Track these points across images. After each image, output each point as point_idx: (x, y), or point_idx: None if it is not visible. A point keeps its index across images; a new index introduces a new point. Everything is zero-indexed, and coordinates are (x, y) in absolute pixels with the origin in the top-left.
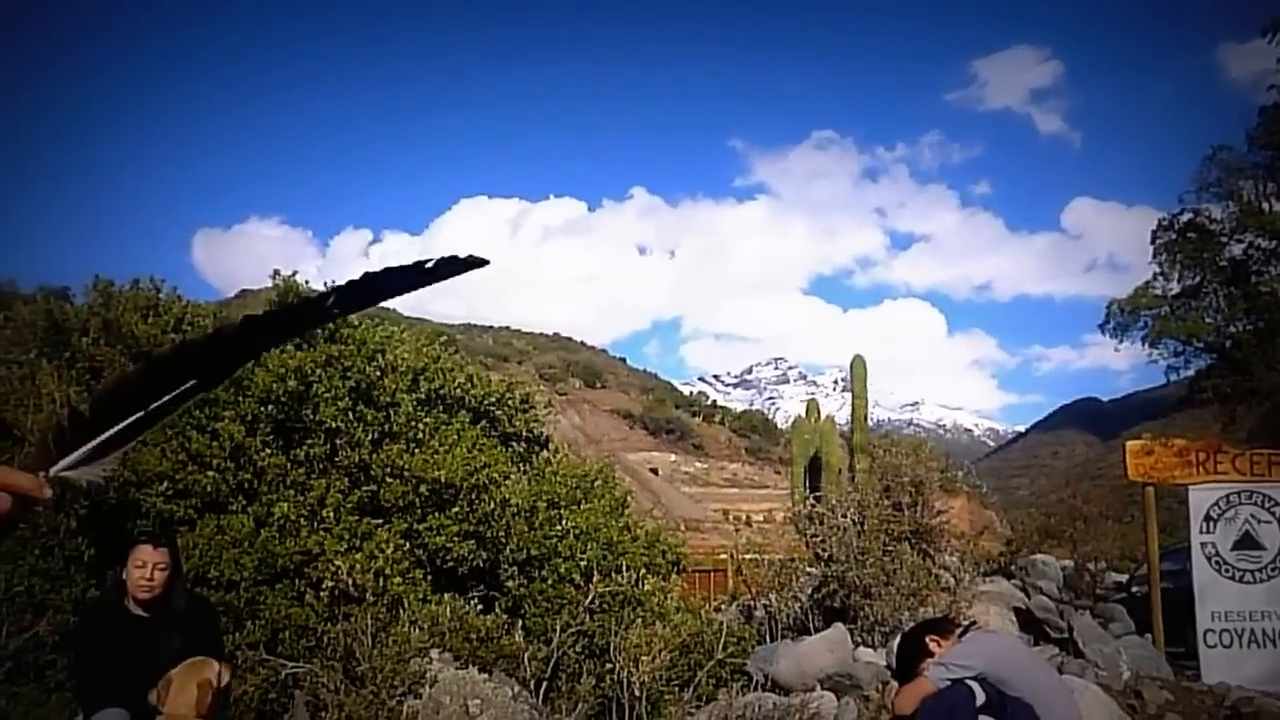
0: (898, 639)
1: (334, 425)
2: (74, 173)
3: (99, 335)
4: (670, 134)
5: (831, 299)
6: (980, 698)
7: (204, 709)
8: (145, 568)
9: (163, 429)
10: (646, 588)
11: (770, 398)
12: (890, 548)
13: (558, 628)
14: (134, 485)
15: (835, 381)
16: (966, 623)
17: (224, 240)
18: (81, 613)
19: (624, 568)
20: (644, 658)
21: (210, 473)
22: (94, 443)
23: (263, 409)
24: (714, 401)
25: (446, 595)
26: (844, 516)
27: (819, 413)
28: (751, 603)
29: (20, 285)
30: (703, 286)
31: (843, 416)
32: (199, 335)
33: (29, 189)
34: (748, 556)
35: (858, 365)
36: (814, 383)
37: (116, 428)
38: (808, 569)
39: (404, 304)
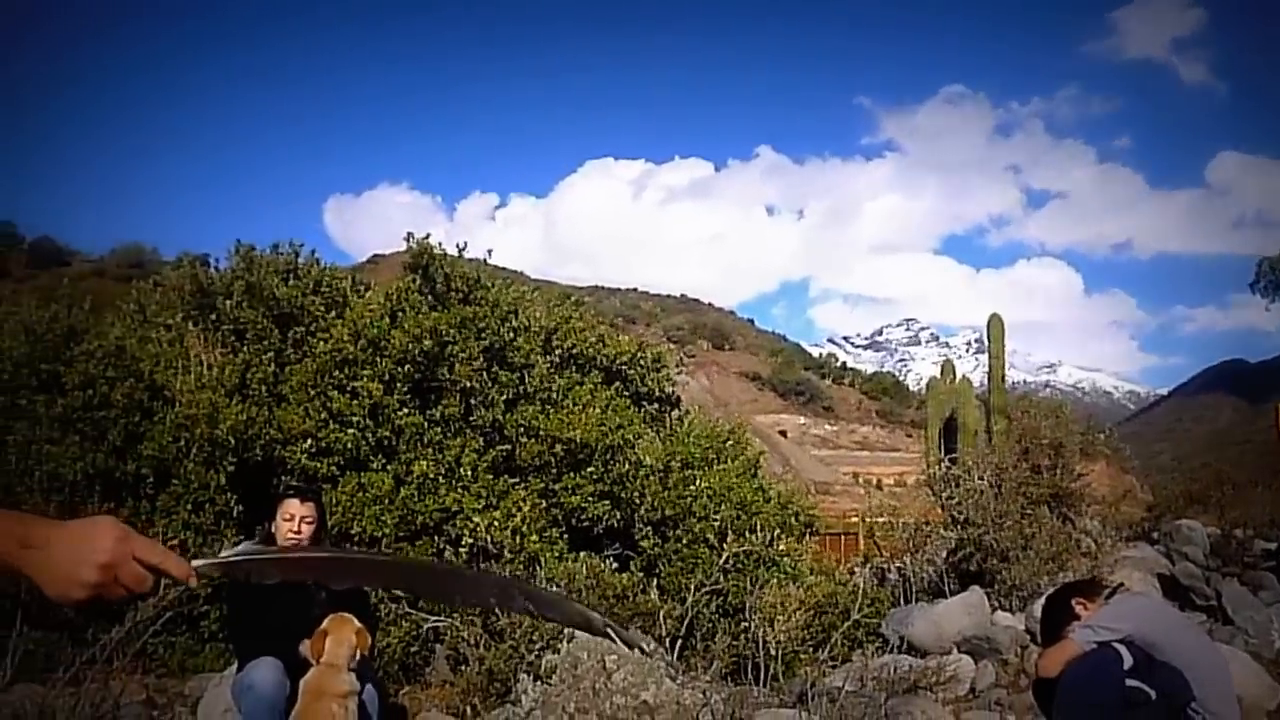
0: (1040, 602)
1: (469, 385)
2: (211, 143)
3: (242, 298)
4: (796, 92)
5: (964, 259)
6: (1128, 661)
7: (355, 660)
8: (293, 521)
9: (304, 388)
10: (781, 548)
11: (901, 360)
12: (1028, 511)
13: (692, 587)
14: (279, 443)
15: (968, 343)
16: (1114, 585)
17: (355, 206)
18: None
19: (757, 528)
20: (779, 618)
21: (350, 431)
22: (242, 557)
23: (399, 369)
24: (844, 363)
25: (583, 554)
26: (980, 479)
27: (954, 374)
28: (885, 566)
29: (163, 252)
30: (831, 247)
31: (977, 378)
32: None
33: (170, 159)
34: (880, 520)
35: (994, 325)
36: (946, 344)
37: (262, 556)
38: (943, 532)
39: (530, 267)
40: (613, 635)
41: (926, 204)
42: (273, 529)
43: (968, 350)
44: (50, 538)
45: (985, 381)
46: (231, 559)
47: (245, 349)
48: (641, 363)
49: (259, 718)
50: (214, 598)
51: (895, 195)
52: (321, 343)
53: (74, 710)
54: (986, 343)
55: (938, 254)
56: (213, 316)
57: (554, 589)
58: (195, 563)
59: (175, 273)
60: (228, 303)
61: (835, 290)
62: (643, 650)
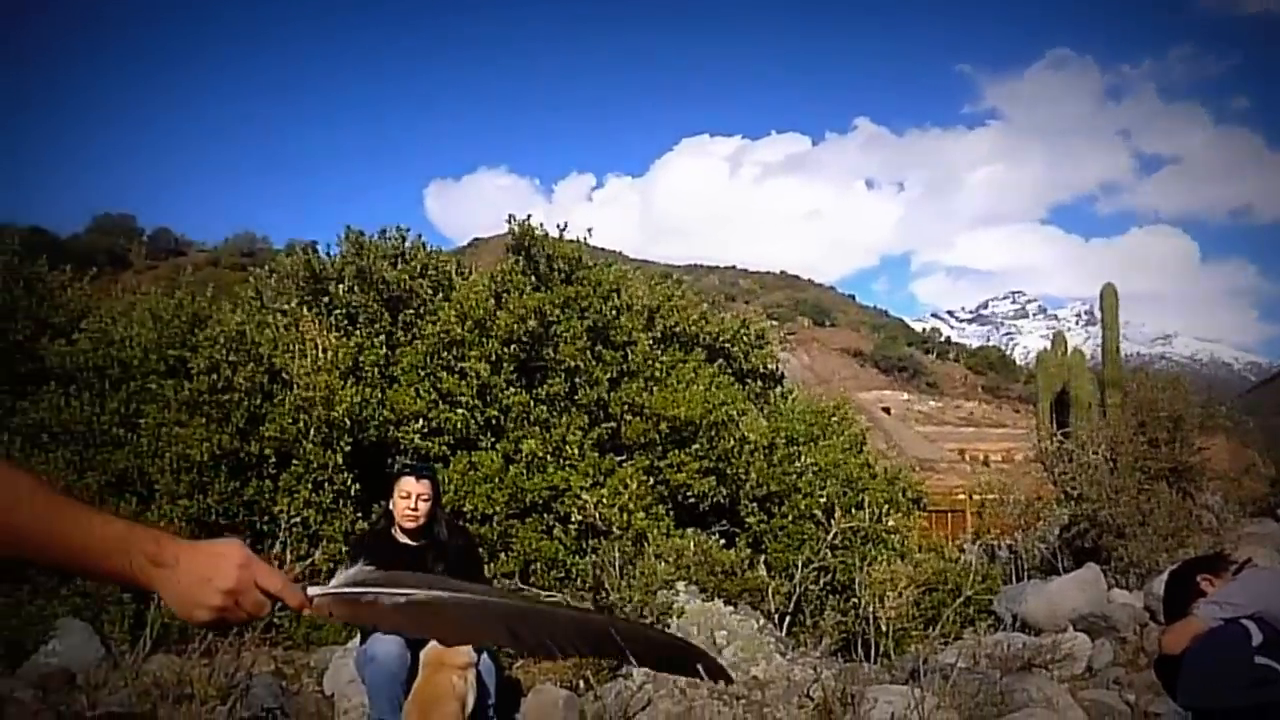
0: (1160, 579)
1: (573, 364)
2: (316, 133)
3: (353, 283)
4: (894, 61)
5: (1072, 228)
6: (1257, 638)
7: None
8: (410, 498)
9: (415, 370)
10: (890, 524)
11: (1008, 333)
12: (1146, 486)
13: (799, 563)
14: (392, 423)
15: (1078, 315)
16: (1241, 560)
17: (455, 190)
18: (354, 543)
19: (865, 504)
20: (889, 594)
21: (460, 411)
22: (356, 590)
23: (506, 349)
24: (948, 338)
25: (689, 530)
26: (1095, 454)
27: (1066, 346)
28: (995, 542)
29: (273, 240)
30: (933, 219)
31: (1088, 351)
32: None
33: (277, 150)
34: (989, 496)
35: (1108, 295)
36: (1054, 317)
37: (379, 591)
38: (1056, 508)
39: (627, 246)
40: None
41: (1032, 172)
42: (390, 507)
43: (1077, 322)
44: (180, 557)
45: (1098, 354)
46: (345, 591)
47: (357, 332)
48: (744, 339)
49: (382, 688)
50: (335, 573)
51: (999, 164)
52: (430, 325)
53: (210, 679)
54: (1099, 314)
55: (1044, 224)
56: (325, 301)
57: (662, 565)
58: (311, 590)
59: (288, 259)
60: (340, 287)
61: (938, 263)
62: (728, 681)
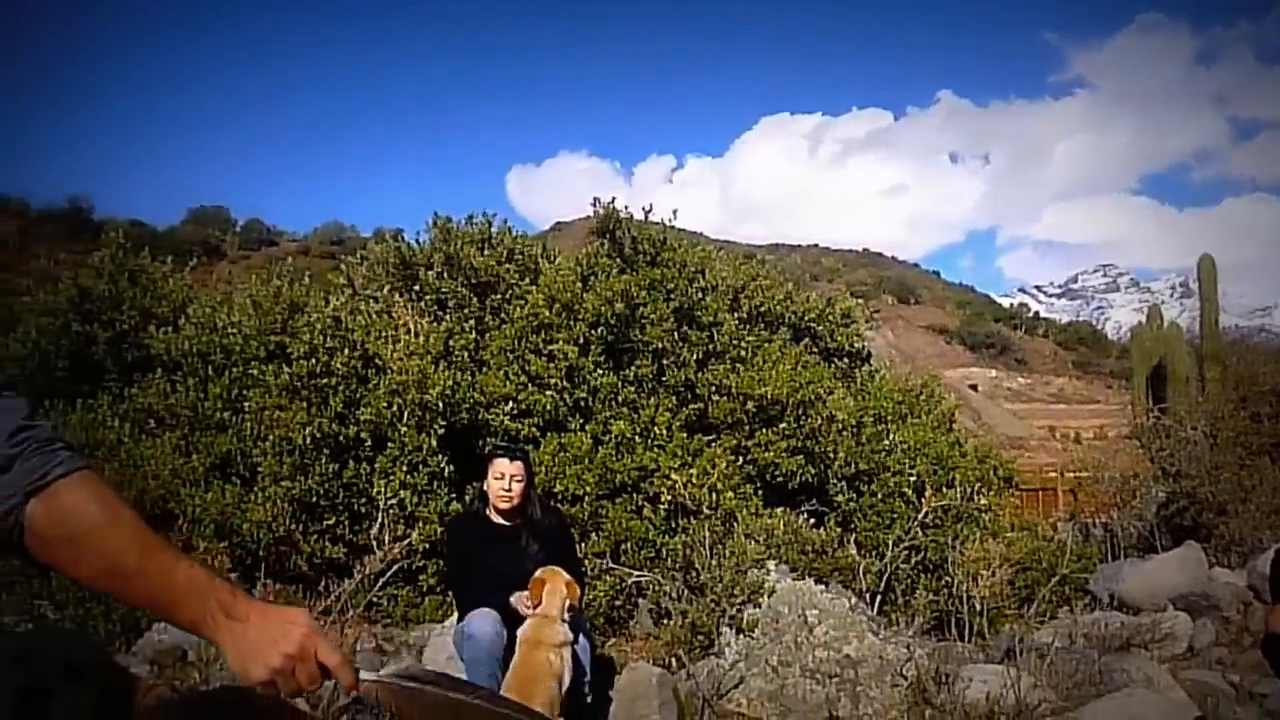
0: (1268, 556)
1: (660, 346)
2: (399, 122)
3: (442, 269)
4: (977, 32)
5: (1165, 198)
6: None
7: (567, 611)
8: (504, 479)
9: (504, 353)
10: (982, 502)
11: (1099, 307)
12: (1247, 462)
13: (890, 542)
14: (482, 406)
15: (1172, 288)
16: None
17: (536, 175)
18: (450, 524)
19: (955, 483)
20: (982, 573)
21: (549, 393)
22: (401, 681)
23: (593, 331)
24: (1036, 313)
25: (778, 510)
26: (1194, 429)
27: (1162, 319)
28: (1089, 521)
29: (360, 229)
30: (1019, 192)
31: (1184, 324)
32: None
33: (363, 140)
34: (1084, 474)
35: (1206, 266)
36: (1147, 290)
37: (421, 686)
38: (1153, 486)
39: (708, 227)
40: None
41: (1122, 142)
42: (485, 488)
43: (1171, 295)
44: (252, 615)
45: (1195, 327)
46: (390, 681)
47: (447, 317)
48: (830, 318)
49: (480, 665)
50: (431, 553)
51: (1087, 134)
52: (518, 309)
53: None
54: (1196, 286)
55: (1135, 194)
56: (416, 287)
57: (752, 544)
58: (362, 675)
59: (379, 247)
60: (429, 273)
61: (1025, 238)
62: None
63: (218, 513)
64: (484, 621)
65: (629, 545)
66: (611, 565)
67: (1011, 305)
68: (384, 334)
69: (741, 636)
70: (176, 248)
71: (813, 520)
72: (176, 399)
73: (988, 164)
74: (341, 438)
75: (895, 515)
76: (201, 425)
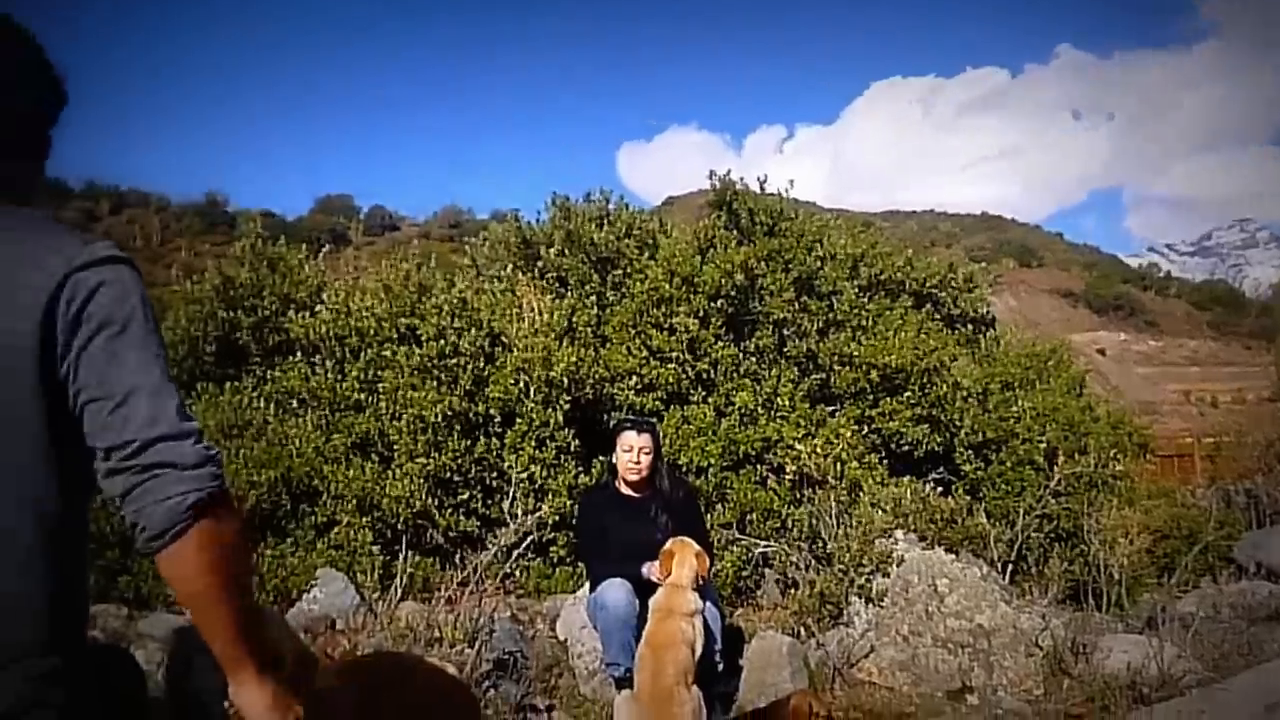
0: None
1: (780, 316)
2: (511, 107)
3: (563, 246)
4: None
5: None
6: None
7: (697, 581)
8: (632, 451)
9: (625, 328)
10: (1118, 469)
11: (1235, 265)
12: None
13: (1020, 510)
14: (606, 381)
15: None
16: None
17: (646, 151)
18: (581, 497)
19: (1088, 449)
20: (1120, 541)
21: (671, 366)
22: None
23: (713, 304)
24: (1167, 273)
25: (904, 479)
26: None
27: None
28: (1231, 487)
29: (476, 212)
30: (1147, 147)
31: None
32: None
33: (477, 127)
34: (1224, 438)
35: None
36: None
37: None
38: None
39: (821, 196)
40: None
41: (1256, 91)
42: (613, 461)
43: None
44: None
45: None
46: None
47: (569, 294)
48: (952, 284)
49: (613, 634)
50: (560, 526)
51: (1218, 84)
52: (638, 284)
53: (456, 624)
54: None
55: (1273, 144)
56: (538, 265)
57: (879, 513)
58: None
59: (500, 227)
60: (550, 251)
61: (1153, 195)
62: None
63: (359, 489)
64: (617, 591)
65: (754, 516)
66: (738, 536)
67: (1140, 265)
68: (508, 313)
69: (871, 606)
70: (306, 236)
71: (940, 489)
72: (316, 381)
73: (1111, 119)
74: (471, 415)
75: (1025, 483)
76: (340, 406)
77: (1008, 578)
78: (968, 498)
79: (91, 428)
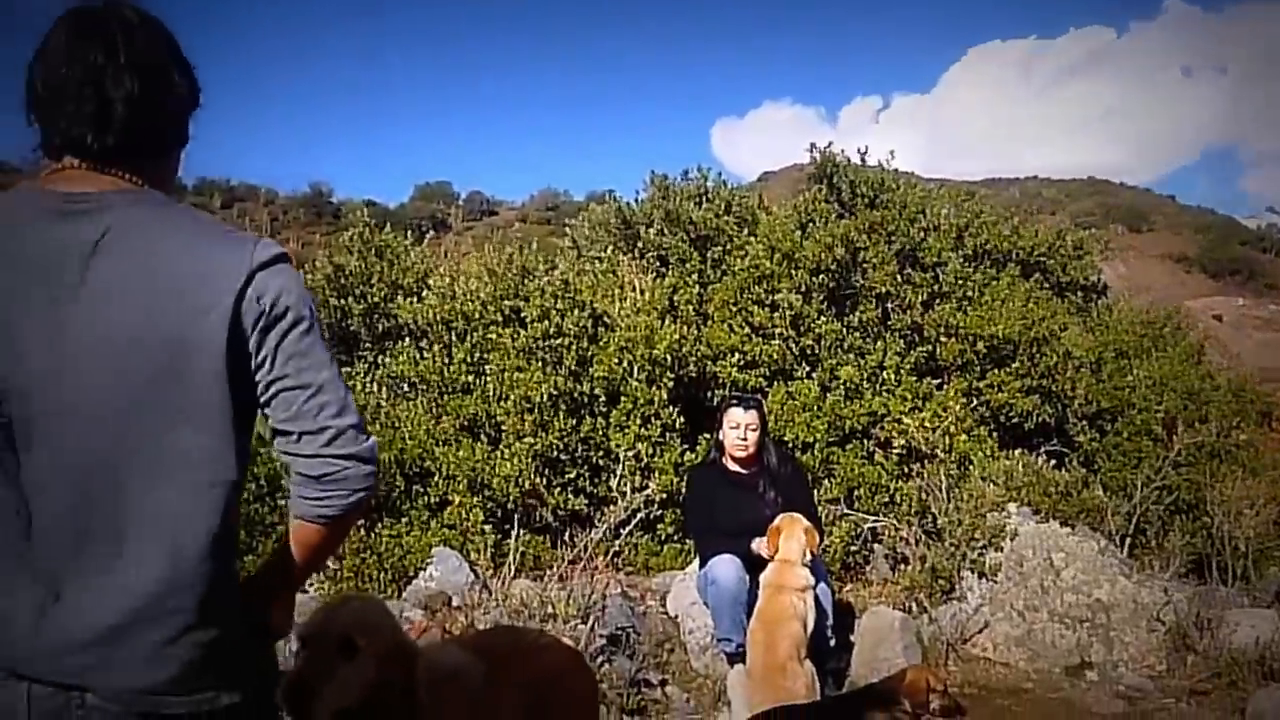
0: None
1: (884, 289)
2: (605, 85)
3: (662, 225)
4: None
5: None
6: None
7: (807, 557)
8: (739, 428)
9: (727, 305)
10: (1241, 438)
11: None
12: None
13: (1138, 483)
14: (709, 358)
15: None
16: None
17: (740, 127)
18: (689, 474)
19: (1208, 418)
20: (1245, 513)
21: (774, 342)
22: None
23: (814, 279)
24: None
25: (1016, 451)
26: None
27: None
28: None
29: (573, 194)
30: (1264, 104)
31: None
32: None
33: (567, 107)
34: None
35: None
36: None
37: None
38: None
39: (919, 166)
40: None
41: None
42: (720, 438)
43: None
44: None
45: None
46: None
47: (670, 273)
48: (1061, 251)
49: (724, 609)
50: (668, 503)
51: None
52: (739, 260)
53: (569, 599)
54: None
55: None
56: (638, 245)
57: (991, 487)
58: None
59: (599, 208)
60: (649, 231)
61: (1272, 153)
62: None
63: (469, 469)
64: (728, 567)
65: (862, 491)
66: (846, 511)
67: (1259, 227)
68: (610, 293)
69: (984, 580)
70: (408, 223)
71: (1053, 462)
72: (425, 365)
73: (1225, 75)
74: (577, 394)
75: (1142, 454)
76: (449, 389)
77: (1126, 551)
78: (1083, 470)
79: (286, 413)
